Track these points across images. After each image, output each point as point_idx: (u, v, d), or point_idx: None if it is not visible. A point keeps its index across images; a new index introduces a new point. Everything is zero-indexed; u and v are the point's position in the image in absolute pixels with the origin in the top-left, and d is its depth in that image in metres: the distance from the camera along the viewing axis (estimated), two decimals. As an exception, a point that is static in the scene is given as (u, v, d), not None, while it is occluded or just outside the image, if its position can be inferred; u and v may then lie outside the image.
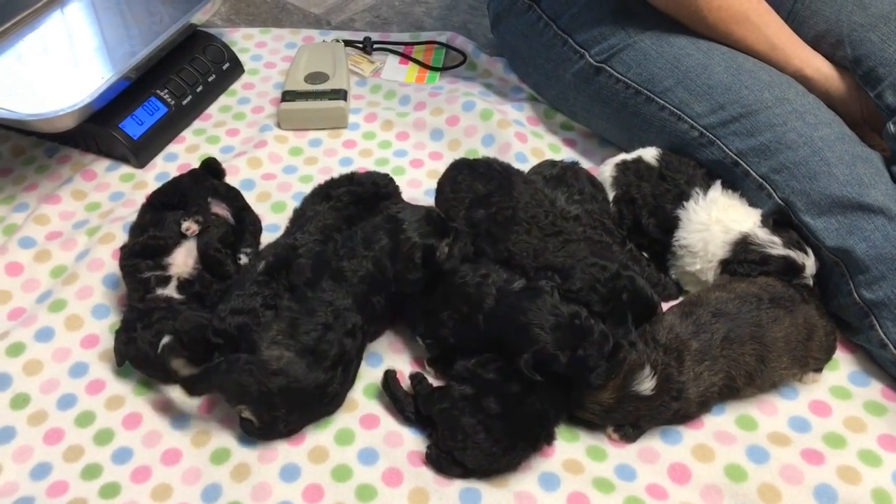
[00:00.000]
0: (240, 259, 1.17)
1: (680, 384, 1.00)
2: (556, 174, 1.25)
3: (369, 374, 1.10)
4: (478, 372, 1.01)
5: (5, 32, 1.52)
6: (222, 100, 1.60)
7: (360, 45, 1.72)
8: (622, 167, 1.27)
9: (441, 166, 1.30)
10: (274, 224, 1.31)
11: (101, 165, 1.44)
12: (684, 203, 1.19)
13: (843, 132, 1.20)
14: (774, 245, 1.12)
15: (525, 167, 1.34)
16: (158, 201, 1.21)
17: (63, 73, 1.48)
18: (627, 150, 1.31)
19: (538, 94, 1.55)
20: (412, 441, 1.03)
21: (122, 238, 1.24)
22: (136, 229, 1.18)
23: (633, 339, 1.01)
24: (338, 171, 1.36)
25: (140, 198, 1.25)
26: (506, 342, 1.00)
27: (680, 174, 1.23)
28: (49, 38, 1.55)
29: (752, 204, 1.20)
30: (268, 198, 1.37)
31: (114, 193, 1.39)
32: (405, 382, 1.07)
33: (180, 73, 1.53)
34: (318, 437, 1.03)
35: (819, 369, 1.10)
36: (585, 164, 1.40)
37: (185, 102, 1.52)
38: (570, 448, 1.02)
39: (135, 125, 1.44)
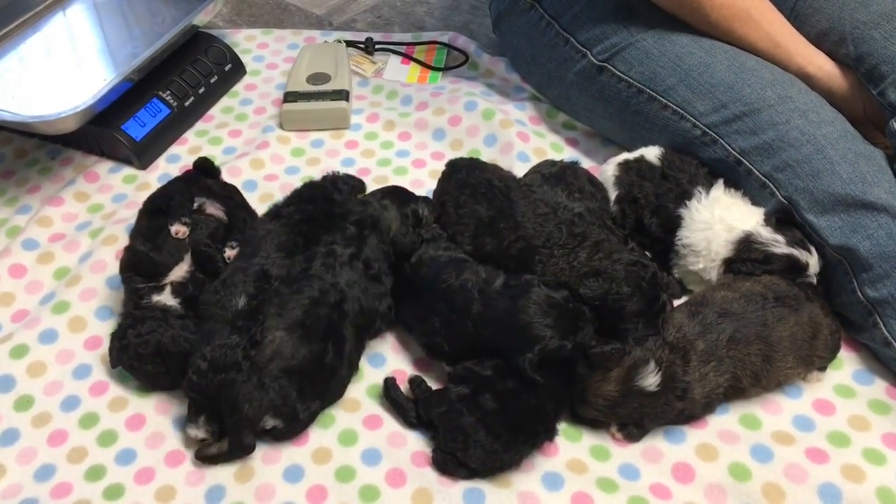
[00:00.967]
0: (225, 252, 1.15)
1: (685, 384, 0.99)
2: (555, 172, 1.25)
3: (372, 375, 1.10)
4: (474, 369, 1.01)
5: (7, 35, 1.52)
6: (224, 101, 1.60)
7: (362, 46, 1.72)
8: (624, 166, 1.27)
9: (443, 166, 1.30)
10: (275, 225, 1.31)
11: (103, 167, 1.44)
12: (687, 202, 1.18)
13: (845, 130, 1.20)
14: (778, 243, 1.11)
15: (527, 167, 1.34)
16: (152, 207, 1.21)
17: (65, 75, 1.48)
18: (630, 150, 1.31)
19: (540, 94, 1.54)
20: (415, 441, 1.03)
21: (124, 240, 1.24)
22: (135, 235, 1.18)
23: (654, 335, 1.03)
24: (340, 171, 1.34)
25: (143, 199, 1.25)
26: (504, 345, 1.00)
27: (682, 173, 1.22)
28: (51, 40, 1.55)
29: (754, 202, 1.20)
30: (270, 199, 1.36)
31: (116, 195, 1.39)
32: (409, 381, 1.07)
33: (182, 75, 1.53)
34: (321, 437, 1.03)
35: (823, 368, 1.09)
36: (588, 163, 1.40)
37: (187, 104, 1.52)
38: (573, 448, 1.02)
39: (137, 127, 1.44)
